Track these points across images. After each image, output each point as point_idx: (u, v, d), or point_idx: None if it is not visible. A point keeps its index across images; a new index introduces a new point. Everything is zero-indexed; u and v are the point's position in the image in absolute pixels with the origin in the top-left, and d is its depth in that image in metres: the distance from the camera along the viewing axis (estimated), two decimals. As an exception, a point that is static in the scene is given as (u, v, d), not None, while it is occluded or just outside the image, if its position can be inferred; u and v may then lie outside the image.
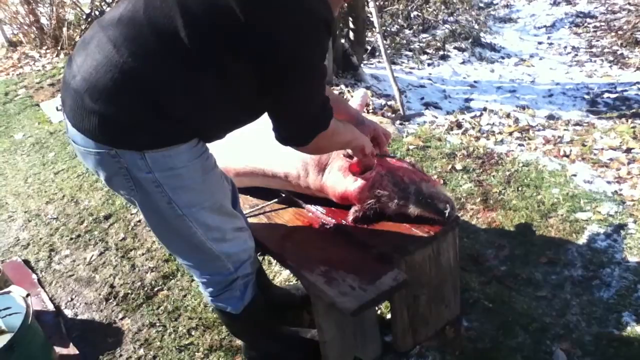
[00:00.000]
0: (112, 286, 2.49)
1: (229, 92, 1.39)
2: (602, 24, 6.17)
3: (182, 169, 1.41)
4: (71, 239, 2.89)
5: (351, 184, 1.81)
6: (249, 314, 1.79)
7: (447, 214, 1.73)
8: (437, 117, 4.00)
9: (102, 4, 6.62)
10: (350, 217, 1.85)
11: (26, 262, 2.74)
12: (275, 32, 1.27)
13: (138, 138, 1.35)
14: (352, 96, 4.16)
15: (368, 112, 3.91)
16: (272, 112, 1.45)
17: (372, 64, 5.12)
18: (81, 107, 1.35)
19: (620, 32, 5.75)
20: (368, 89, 4.42)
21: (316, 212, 1.94)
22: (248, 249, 1.70)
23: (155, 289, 2.43)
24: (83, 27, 6.48)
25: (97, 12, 6.55)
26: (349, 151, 1.83)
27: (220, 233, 1.59)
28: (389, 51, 5.19)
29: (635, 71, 4.86)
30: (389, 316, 2.06)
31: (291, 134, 1.48)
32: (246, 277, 1.73)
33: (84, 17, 6.61)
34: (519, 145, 3.43)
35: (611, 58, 5.22)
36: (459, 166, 3.06)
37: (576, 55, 5.43)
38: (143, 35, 1.29)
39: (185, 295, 2.35)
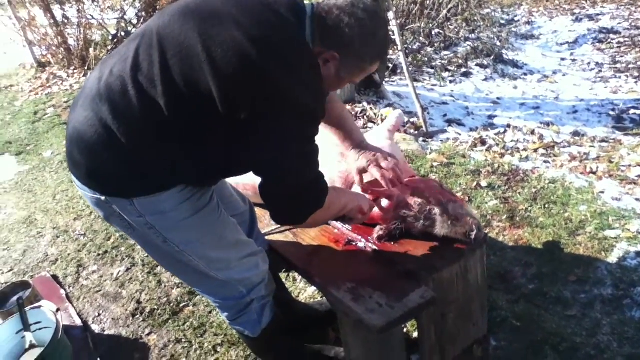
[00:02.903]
0: (138, 302, 2.51)
1: (208, 159, 1.38)
2: (627, 39, 6.11)
3: (172, 212, 1.41)
4: (98, 255, 2.93)
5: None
6: (268, 336, 1.78)
7: (473, 237, 1.71)
8: (460, 134, 3.99)
9: (128, 25, 6.79)
10: (375, 235, 1.85)
11: (55, 277, 2.79)
12: (254, 123, 1.25)
13: (123, 188, 1.37)
14: (374, 114, 4.18)
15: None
16: (262, 194, 1.42)
17: (394, 81, 5.14)
18: (71, 156, 1.40)
19: (645, 48, 5.70)
20: (390, 106, 4.43)
21: (342, 229, 1.94)
22: (260, 272, 1.69)
23: (181, 305, 2.44)
24: (109, 47, 6.63)
25: (122, 33, 6.71)
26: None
27: (223, 263, 1.59)
28: (410, 68, 5.21)
29: (661, 87, 4.81)
30: (415, 334, 2.04)
31: (286, 216, 1.47)
32: (262, 299, 1.73)
33: (110, 37, 6.77)
34: (545, 162, 3.40)
35: (636, 74, 5.16)
36: (484, 183, 3.04)
37: (600, 71, 5.38)
38: (127, 94, 1.29)
39: (210, 312, 2.36)
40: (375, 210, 1.80)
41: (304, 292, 2.41)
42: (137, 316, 2.43)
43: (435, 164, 3.32)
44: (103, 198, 1.39)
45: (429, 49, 5.93)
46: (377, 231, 1.84)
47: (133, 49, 1.33)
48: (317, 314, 2.17)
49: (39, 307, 2.13)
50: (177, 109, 1.27)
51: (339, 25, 1.33)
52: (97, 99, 1.33)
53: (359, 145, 1.81)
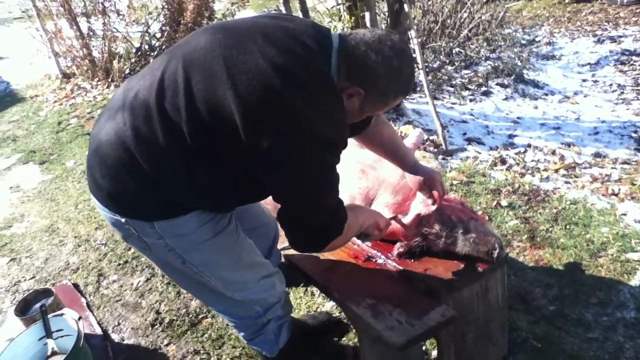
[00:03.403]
0: (158, 312, 2.53)
1: (229, 186, 1.39)
2: (650, 61, 6.07)
3: (192, 234, 1.43)
4: (119, 264, 2.96)
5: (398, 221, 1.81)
6: (285, 356, 1.78)
7: (495, 255, 1.70)
8: (480, 153, 3.98)
9: (152, 39, 6.91)
10: (396, 252, 1.85)
11: (76, 285, 2.82)
12: (275, 152, 1.26)
13: (144, 211, 1.39)
14: (399, 131, 4.19)
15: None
16: (281, 221, 1.41)
17: (413, 99, 5.15)
18: (92, 177, 1.41)
19: (668, 70, 5.64)
20: (410, 123, 4.44)
21: (362, 245, 1.95)
22: (277, 293, 1.70)
23: (200, 317, 2.46)
24: (133, 60, 6.75)
25: (146, 47, 6.82)
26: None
27: (240, 284, 1.61)
28: (430, 86, 5.22)
29: (684, 110, 4.75)
30: (434, 353, 2.03)
31: (304, 243, 1.46)
32: (278, 319, 1.73)
33: (134, 50, 6.90)
34: (566, 182, 3.37)
35: (659, 96, 5.12)
36: (504, 202, 3.03)
37: (622, 93, 5.33)
38: (151, 120, 1.30)
39: (228, 324, 2.37)
40: (397, 226, 1.80)
41: (322, 307, 2.41)
42: (156, 326, 2.44)
43: (455, 182, 3.31)
44: (123, 220, 1.41)
45: (449, 68, 5.94)
46: (398, 248, 1.84)
47: (159, 75, 1.33)
48: (308, 329, 2.17)
49: (61, 314, 2.16)
50: (200, 136, 1.28)
51: (366, 62, 1.32)
52: (121, 123, 1.34)
53: (413, 167, 1.80)
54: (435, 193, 1.77)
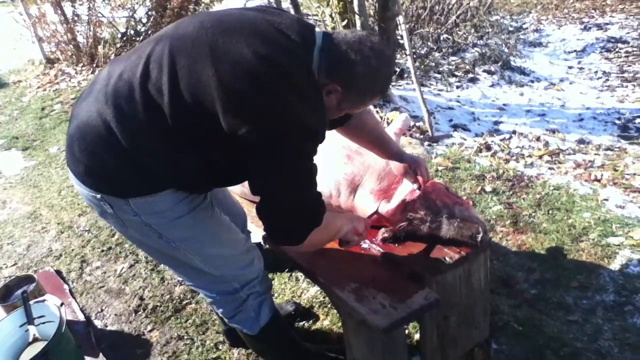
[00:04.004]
0: (141, 298, 2.52)
1: (208, 169, 1.41)
2: (635, 49, 6.10)
3: (168, 211, 1.43)
4: (102, 251, 2.94)
5: (383, 206, 1.81)
6: (268, 335, 1.78)
7: (479, 239, 1.72)
8: (465, 139, 3.99)
9: (138, 24, 6.82)
10: (380, 237, 1.85)
11: (58, 272, 2.80)
12: (255, 138, 1.27)
13: (120, 187, 1.40)
14: (381, 117, 4.19)
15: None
16: (260, 214, 1.42)
17: (400, 85, 5.14)
18: (71, 152, 1.42)
19: (652, 58, 5.69)
20: (396, 109, 4.44)
21: (346, 230, 1.94)
22: (254, 269, 1.70)
23: (184, 302, 2.45)
24: (118, 45, 6.66)
25: (132, 32, 6.74)
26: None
27: (218, 260, 1.61)
28: (418, 73, 5.22)
29: (668, 97, 4.80)
30: (417, 336, 2.04)
31: (283, 234, 1.46)
32: (257, 296, 1.73)
33: (119, 36, 6.81)
34: (549, 168, 3.40)
35: (643, 83, 5.16)
36: (488, 188, 3.05)
37: (607, 80, 5.37)
38: (133, 100, 1.32)
39: (212, 310, 2.37)
40: (384, 210, 1.81)
41: (307, 292, 2.42)
42: (140, 312, 2.44)
43: (440, 168, 3.32)
44: (99, 196, 1.42)
45: (436, 54, 5.94)
46: (382, 233, 1.85)
47: (145, 57, 1.35)
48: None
49: (43, 301, 2.14)
50: (182, 119, 1.30)
51: (346, 61, 1.36)
52: (102, 101, 1.35)
53: (398, 154, 1.82)
54: (420, 178, 1.78)
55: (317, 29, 1.41)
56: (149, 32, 6.59)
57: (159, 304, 2.47)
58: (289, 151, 1.31)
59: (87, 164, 1.39)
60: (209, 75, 1.26)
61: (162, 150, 1.35)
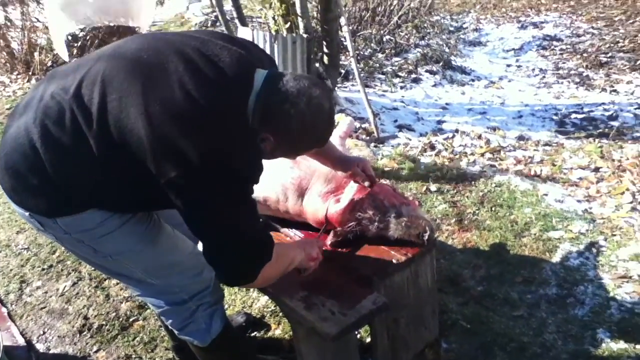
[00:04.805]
0: (86, 317, 2.43)
1: (135, 194, 1.37)
2: (568, 46, 6.35)
3: (97, 228, 1.40)
4: (43, 269, 2.82)
5: (332, 207, 1.82)
6: (219, 346, 1.74)
7: (426, 237, 1.74)
8: (410, 139, 4.05)
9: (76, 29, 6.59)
10: (329, 242, 1.85)
11: (-4, 294, 2.67)
12: (183, 184, 1.24)
13: (46, 207, 1.36)
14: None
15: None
16: (209, 259, 1.38)
17: (346, 87, 5.17)
18: (1, 168, 1.37)
19: (585, 55, 5.93)
20: (342, 111, 4.46)
21: (294, 237, 1.94)
22: (203, 279, 1.65)
23: (131, 320, 2.38)
24: (55, 52, 6.42)
25: (69, 37, 6.50)
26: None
27: (162, 270, 1.57)
28: (362, 74, 5.26)
29: (600, 92, 5.01)
30: (369, 339, 2.05)
31: (235, 274, 1.41)
32: (209, 306, 1.69)
33: (56, 42, 6.56)
34: (491, 166, 3.49)
35: (577, 80, 5.37)
36: (433, 187, 3.10)
37: (544, 77, 5.57)
38: (61, 122, 1.28)
39: (161, 326, 2.31)
40: (332, 213, 1.81)
41: (257, 301, 2.39)
42: (85, 333, 2.35)
43: (386, 169, 3.36)
44: (27, 214, 1.38)
45: (380, 55, 6.00)
46: (330, 238, 1.85)
47: (79, 79, 1.31)
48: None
49: (-22, 326, 2.04)
50: (108, 151, 1.27)
51: (280, 114, 1.31)
52: (32, 118, 1.31)
53: (341, 159, 1.81)
54: (369, 175, 1.80)
55: (259, 71, 1.35)
56: (87, 37, 6.38)
57: (104, 322, 2.38)
58: (222, 198, 1.27)
59: (14, 184, 1.35)
60: (138, 114, 1.22)
61: (86, 176, 1.31)
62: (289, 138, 1.37)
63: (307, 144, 1.44)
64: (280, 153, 1.43)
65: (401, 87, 5.33)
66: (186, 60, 1.29)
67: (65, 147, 1.28)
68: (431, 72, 5.67)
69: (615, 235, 2.60)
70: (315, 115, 1.34)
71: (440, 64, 5.78)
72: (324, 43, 4.58)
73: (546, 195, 2.97)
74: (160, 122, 1.21)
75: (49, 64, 6.32)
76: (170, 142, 1.21)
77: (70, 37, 6.44)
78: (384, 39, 6.25)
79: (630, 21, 6.82)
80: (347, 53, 5.14)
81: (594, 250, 2.49)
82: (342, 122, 2.24)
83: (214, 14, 6.14)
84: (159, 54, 1.31)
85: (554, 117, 4.55)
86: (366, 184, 1.80)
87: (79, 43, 6.35)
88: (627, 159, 3.41)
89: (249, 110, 1.31)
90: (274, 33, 4.21)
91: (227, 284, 1.47)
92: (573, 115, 4.55)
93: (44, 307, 2.55)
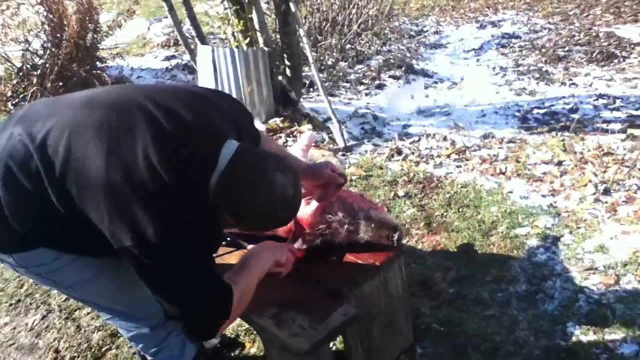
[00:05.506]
0: (57, 351, 2.38)
1: (93, 244, 1.35)
2: (527, 43, 6.48)
3: (52, 262, 1.39)
4: (10, 304, 2.75)
5: (303, 209, 1.82)
6: None
7: (396, 238, 1.77)
8: (378, 146, 4.08)
9: (34, 57, 6.48)
10: (297, 245, 1.85)
11: (-38, 334, 2.60)
12: (137, 251, 1.23)
13: (1, 243, 1.37)
14: (291, 132, 4.21)
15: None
16: (170, 318, 1.39)
17: (311, 97, 5.19)
18: None
19: (543, 50, 6.05)
20: (310, 119, 4.47)
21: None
22: None
23: (104, 349, 2.34)
24: (15, 81, 6.30)
25: (28, 66, 6.40)
26: None
27: (125, 299, 1.56)
28: (327, 84, 5.29)
29: (560, 86, 5.11)
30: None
31: (196, 332, 1.41)
32: (180, 332, 1.68)
33: (15, 71, 6.44)
34: (457, 166, 3.53)
35: (537, 75, 5.48)
36: (401, 192, 3.12)
37: (505, 74, 5.66)
38: (25, 167, 1.28)
39: (135, 353, 2.27)
40: (302, 216, 1.81)
41: (231, 320, 2.37)
42: (56, 366, 2.30)
43: (354, 177, 3.38)
44: None
45: (342, 64, 6.04)
46: (300, 244, 1.85)
47: (47, 128, 1.30)
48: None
49: (-57, 370, 1.98)
50: (66, 206, 1.27)
51: (239, 200, 1.32)
52: None
53: (307, 168, 1.82)
54: (340, 173, 1.82)
55: (228, 145, 1.35)
56: (47, 64, 6.28)
57: (76, 354, 2.33)
58: (177, 266, 1.27)
59: None
60: (99, 177, 1.22)
61: (44, 222, 1.32)
62: (248, 222, 1.41)
63: (265, 228, 1.54)
64: (242, 228, 1.50)
65: (366, 94, 5.37)
66: (156, 128, 1.28)
67: (26, 192, 1.28)
68: (394, 77, 5.72)
69: (580, 227, 2.65)
70: (276, 204, 1.35)
71: (403, 68, 5.84)
72: (285, 56, 4.60)
73: (511, 192, 3.02)
74: (120, 190, 1.21)
75: (9, 94, 6.21)
76: (128, 211, 1.21)
77: (29, 66, 6.34)
78: (346, 48, 6.30)
79: (585, 14, 7.00)
80: (309, 64, 5.17)
81: (560, 244, 2.53)
82: (303, 135, 2.27)
83: (175, 33, 6.10)
84: (130, 117, 1.30)
85: (517, 114, 4.62)
86: (340, 180, 1.81)
87: (39, 72, 6.25)
88: (589, 150, 3.49)
89: (210, 188, 1.31)
90: (235, 49, 4.21)
91: (192, 340, 1.51)
92: (535, 111, 4.63)
93: (13, 344, 2.48)
